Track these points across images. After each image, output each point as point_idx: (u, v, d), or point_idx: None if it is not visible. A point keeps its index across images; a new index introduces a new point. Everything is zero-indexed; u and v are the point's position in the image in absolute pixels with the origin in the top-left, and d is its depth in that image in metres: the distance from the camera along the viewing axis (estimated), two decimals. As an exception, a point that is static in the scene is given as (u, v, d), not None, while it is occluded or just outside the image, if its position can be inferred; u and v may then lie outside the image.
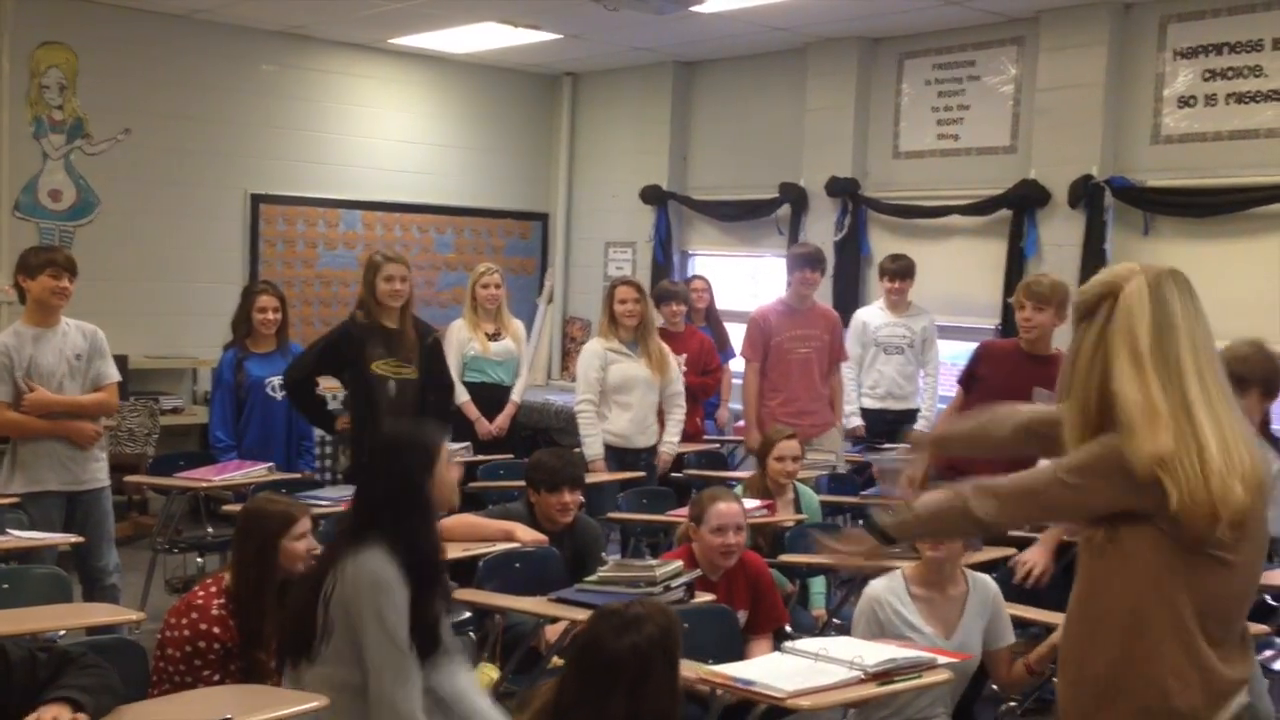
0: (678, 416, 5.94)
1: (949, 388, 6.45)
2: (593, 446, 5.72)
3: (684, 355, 6.35)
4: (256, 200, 8.12)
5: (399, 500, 3.02)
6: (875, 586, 3.53)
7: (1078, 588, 2.26)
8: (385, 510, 3.01)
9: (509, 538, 4.17)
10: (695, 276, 7.51)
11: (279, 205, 8.21)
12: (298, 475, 5.49)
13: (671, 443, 5.92)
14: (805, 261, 6.16)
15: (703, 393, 6.55)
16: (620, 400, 5.80)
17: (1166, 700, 2.09)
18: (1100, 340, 2.12)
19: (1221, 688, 2.11)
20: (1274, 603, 4.50)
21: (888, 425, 6.48)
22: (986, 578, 3.68)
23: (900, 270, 6.56)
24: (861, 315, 6.70)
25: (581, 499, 4.39)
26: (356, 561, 2.92)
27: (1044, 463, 2.28)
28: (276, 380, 5.56)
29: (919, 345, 6.59)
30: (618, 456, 5.78)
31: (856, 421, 6.52)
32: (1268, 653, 4.27)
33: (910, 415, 6.54)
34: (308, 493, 4.89)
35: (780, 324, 6.10)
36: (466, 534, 4.23)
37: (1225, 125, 6.17)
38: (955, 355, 8.98)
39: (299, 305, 7.98)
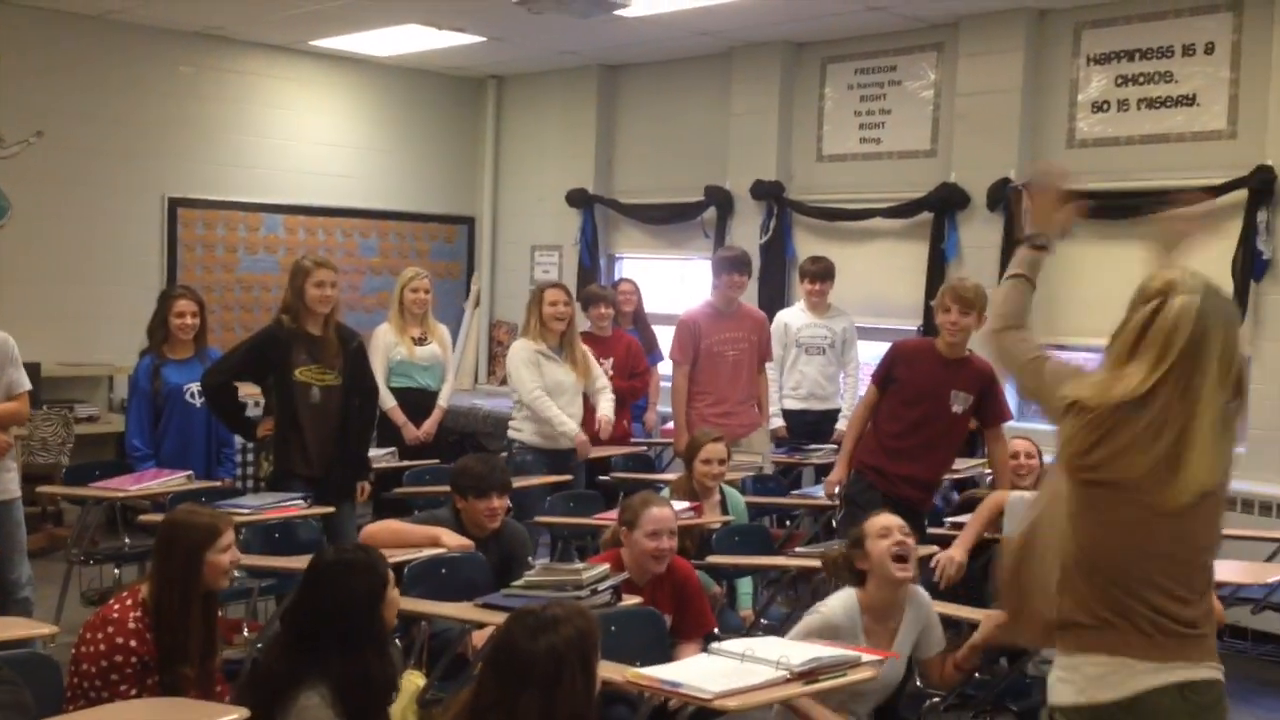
0: (608, 395, 5.97)
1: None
2: (567, 424, 5.72)
3: (610, 359, 6.34)
4: (174, 204, 7.97)
5: (350, 632, 2.91)
6: (835, 613, 3.46)
7: None
8: (334, 643, 2.89)
9: (434, 543, 4.14)
10: (623, 280, 7.51)
11: (197, 209, 8.07)
12: (218, 483, 5.39)
13: (606, 409, 5.91)
14: (731, 265, 6.19)
15: (631, 396, 6.55)
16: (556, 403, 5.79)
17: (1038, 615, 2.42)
18: (1141, 328, 2.31)
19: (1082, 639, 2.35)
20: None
21: (809, 426, 6.54)
22: (922, 591, 3.69)
23: (820, 272, 6.63)
24: (783, 317, 6.75)
25: (509, 504, 4.37)
26: (299, 708, 2.82)
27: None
28: (195, 387, 5.45)
29: (840, 346, 6.66)
30: (546, 458, 5.77)
31: (778, 423, 6.57)
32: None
33: (832, 415, 6.61)
34: (228, 501, 4.79)
35: (709, 327, 6.13)
36: (391, 540, 4.19)
37: (1137, 130, 6.32)
38: (877, 356, 9.09)
39: (218, 311, 7.85)
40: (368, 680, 2.91)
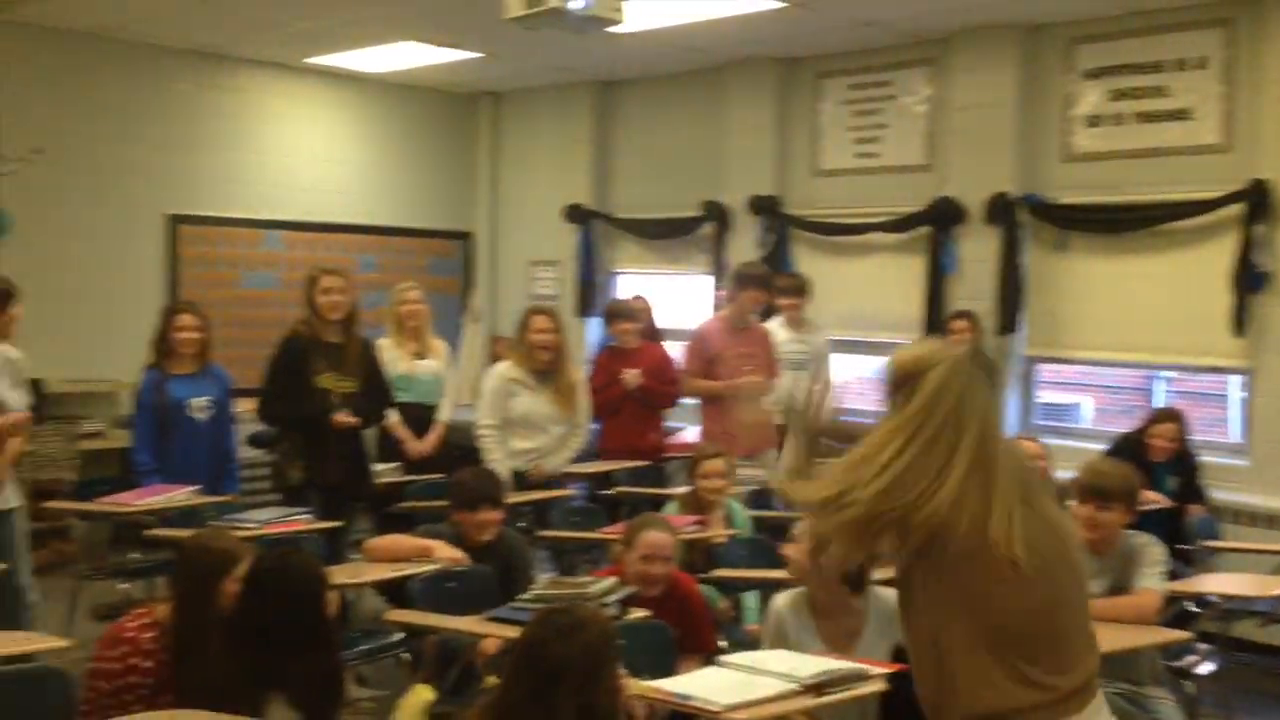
0: (574, 444, 5.95)
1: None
2: (498, 469, 5.69)
3: (639, 369, 6.34)
4: (175, 221, 8.00)
5: (301, 631, 2.92)
6: (779, 601, 3.53)
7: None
8: (288, 644, 2.88)
9: (426, 555, 4.17)
10: (636, 296, 7.52)
11: (198, 226, 8.10)
12: (224, 498, 5.40)
13: (557, 461, 5.87)
14: (755, 281, 6.22)
15: (664, 401, 6.48)
16: (522, 433, 5.82)
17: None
18: (899, 425, 2.19)
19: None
20: (1196, 609, 4.63)
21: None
22: (889, 592, 3.69)
23: (794, 287, 6.66)
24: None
25: (501, 516, 4.38)
26: (263, 713, 2.82)
27: None
28: (199, 401, 5.48)
29: (818, 361, 6.68)
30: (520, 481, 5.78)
31: None
32: (1189, 658, 4.39)
33: None
34: (234, 515, 4.83)
35: (724, 341, 6.14)
36: (387, 554, 4.24)
37: (1132, 144, 6.37)
38: (878, 370, 9.10)
39: (220, 327, 7.80)
40: (323, 678, 2.93)
